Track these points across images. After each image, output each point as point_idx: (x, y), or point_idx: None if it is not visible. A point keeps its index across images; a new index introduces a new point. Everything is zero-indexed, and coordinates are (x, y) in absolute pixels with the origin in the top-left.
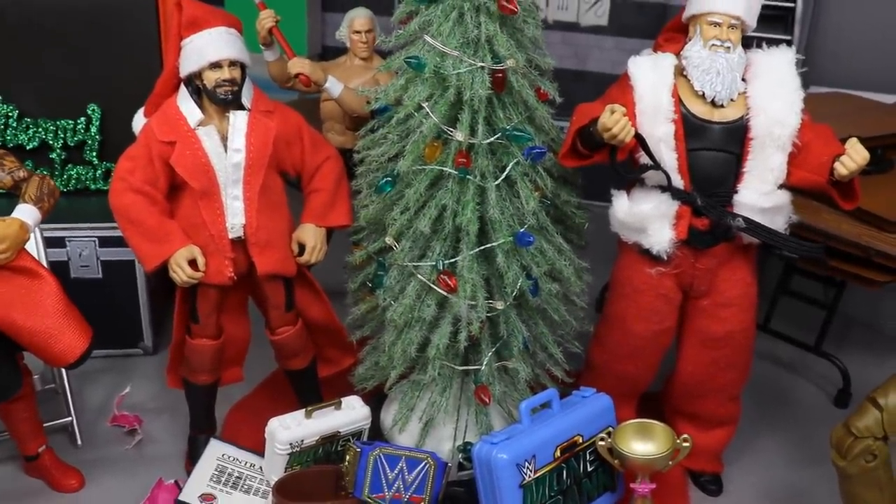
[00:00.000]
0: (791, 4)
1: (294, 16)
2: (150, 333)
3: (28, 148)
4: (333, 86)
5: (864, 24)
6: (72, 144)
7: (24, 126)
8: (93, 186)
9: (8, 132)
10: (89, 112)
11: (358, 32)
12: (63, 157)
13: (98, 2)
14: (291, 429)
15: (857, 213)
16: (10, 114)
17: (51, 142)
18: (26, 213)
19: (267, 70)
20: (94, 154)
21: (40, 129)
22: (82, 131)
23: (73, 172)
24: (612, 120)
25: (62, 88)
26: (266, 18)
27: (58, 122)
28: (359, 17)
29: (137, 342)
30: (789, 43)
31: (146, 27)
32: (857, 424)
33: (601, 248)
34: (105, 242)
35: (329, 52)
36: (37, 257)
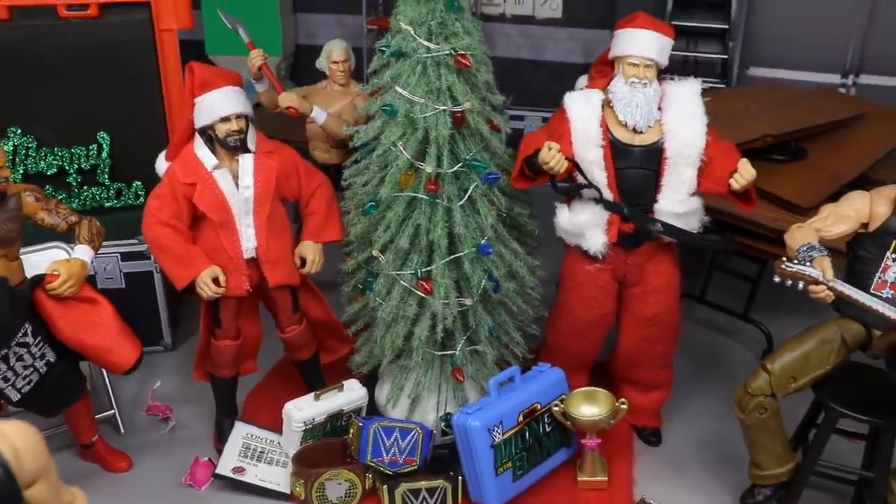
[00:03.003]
0: None
1: (267, 17)
2: (168, 332)
3: (48, 174)
4: (318, 115)
5: (797, 8)
6: (86, 168)
7: (42, 154)
8: (107, 204)
9: (29, 161)
10: (99, 139)
11: (336, 62)
12: (79, 179)
13: (102, 41)
14: (304, 409)
15: (773, 198)
16: (29, 144)
17: (67, 167)
18: (84, 252)
19: (259, 98)
20: (107, 176)
21: (57, 157)
22: (95, 156)
23: (88, 193)
24: (549, 156)
25: (74, 119)
26: (256, 58)
27: (72, 150)
28: (336, 49)
29: (158, 340)
30: (727, 31)
31: (146, 62)
32: (752, 385)
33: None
34: (126, 257)
35: (302, 51)
36: None
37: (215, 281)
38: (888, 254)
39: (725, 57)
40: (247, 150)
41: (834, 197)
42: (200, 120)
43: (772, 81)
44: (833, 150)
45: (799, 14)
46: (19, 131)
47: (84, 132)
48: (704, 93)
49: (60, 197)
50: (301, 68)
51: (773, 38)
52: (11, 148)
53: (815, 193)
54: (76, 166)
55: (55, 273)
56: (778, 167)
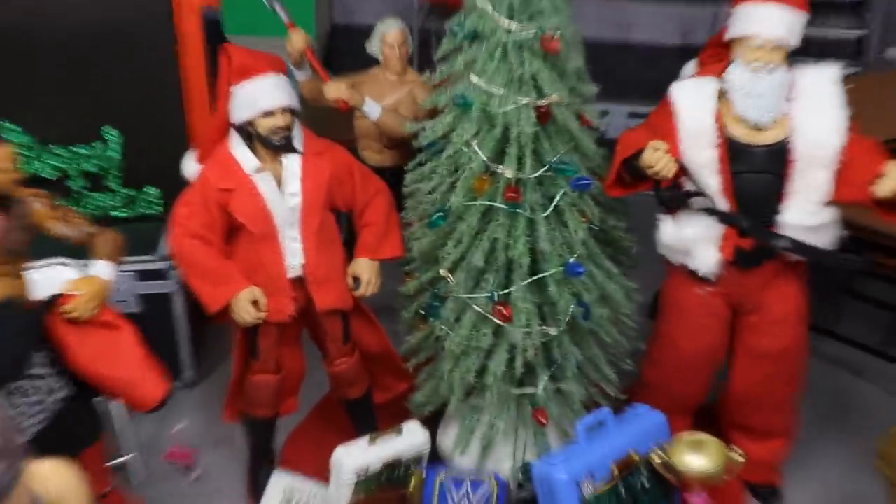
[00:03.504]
0: None
1: None
2: (190, 365)
3: (47, 178)
4: (372, 108)
5: None
6: (93, 171)
7: (40, 155)
8: (116, 214)
9: (23, 163)
10: (105, 135)
11: (391, 47)
12: (81, 184)
13: (111, 18)
14: (357, 457)
15: None
16: (25, 143)
17: (69, 170)
18: (104, 269)
19: (299, 89)
20: (116, 180)
21: (56, 157)
22: (101, 156)
23: (94, 201)
24: (655, 158)
25: (76, 112)
26: (298, 41)
27: (74, 149)
28: (391, 31)
29: (179, 375)
30: (863, 2)
31: (163, 44)
32: None
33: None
34: (142, 276)
35: (337, 32)
36: None
37: (255, 304)
38: None
39: (861, 33)
40: (293, 151)
41: None
42: (239, 114)
43: None
44: None
45: None
46: (14, 127)
47: (90, 126)
48: (845, 80)
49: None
50: (338, 53)
51: None
52: None
53: None
54: (80, 169)
55: (73, 293)
56: None
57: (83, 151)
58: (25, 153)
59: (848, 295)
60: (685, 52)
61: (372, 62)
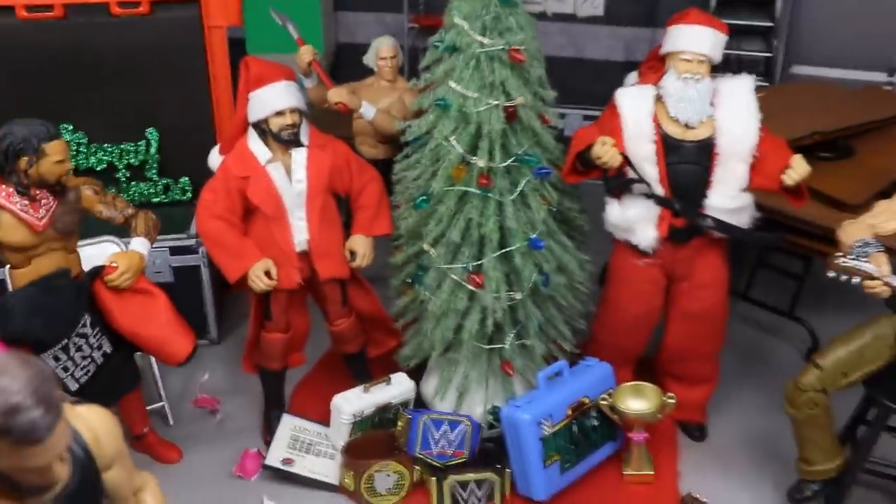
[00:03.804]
0: None
1: (309, 16)
2: (214, 326)
3: (98, 169)
4: (368, 110)
5: (842, 5)
6: (135, 164)
7: (92, 150)
8: (155, 200)
9: (79, 157)
10: (148, 135)
11: (384, 58)
12: (127, 175)
13: (152, 38)
14: (353, 402)
15: (820, 196)
16: (80, 140)
17: (116, 163)
18: (141, 245)
19: (307, 94)
20: (155, 171)
21: (106, 153)
22: (143, 152)
23: (136, 189)
24: (603, 150)
25: (124, 116)
26: (306, 53)
27: (121, 146)
28: (384, 45)
29: (205, 334)
30: (772, 28)
31: (195, 59)
32: (802, 380)
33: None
34: (175, 251)
35: (343, 49)
36: None
37: (267, 274)
38: None
39: (769, 55)
40: (300, 144)
41: (882, 195)
42: (255, 114)
43: (816, 80)
44: (880, 148)
45: (844, 12)
46: (70, 127)
47: (133, 129)
48: (757, 89)
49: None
50: (342, 66)
51: (817, 35)
52: None
53: (862, 191)
54: (125, 162)
55: (114, 265)
56: (825, 165)
57: (129, 148)
58: (82, 150)
59: (761, 265)
60: (628, 66)
61: (369, 73)
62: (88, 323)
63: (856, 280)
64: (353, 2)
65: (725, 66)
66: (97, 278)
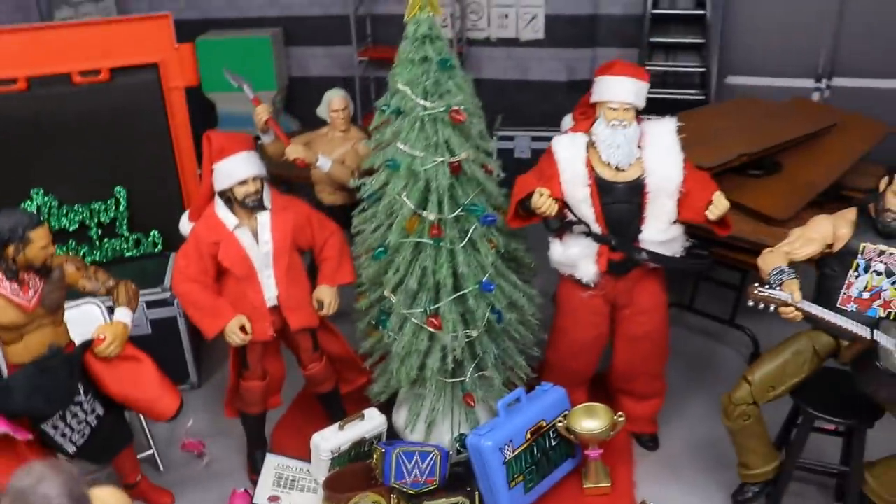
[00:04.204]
0: (702, 12)
1: (261, 54)
2: (194, 371)
3: (70, 229)
4: (324, 163)
5: (768, 18)
6: (105, 222)
7: (63, 212)
8: (127, 254)
9: (52, 219)
10: (116, 193)
11: (336, 110)
12: (99, 233)
13: (114, 103)
14: (330, 440)
15: (751, 212)
16: (51, 203)
17: (87, 222)
18: (124, 315)
19: (265, 150)
20: (125, 227)
21: (78, 213)
22: (113, 209)
23: (108, 245)
24: (541, 201)
25: (92, 176)
26: (262, 113)
27: (91, 206)
28: (335, 98)
29: (185, 379)
30: (704, 44)
31: (156, 119)
32: (735, 395)
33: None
34: (151, 305)
35: (295, 83)
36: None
37: (242, 329)
38: (851, 272)
39: (703, 69)
40: (264, 208)
41: (809, 206)
42: (220, 184)
43: (749, 89)
44: (807, 161)
45: (771, 24)
46: (41, 191)
47: (102, 188)
48: (679, 130)
49: (83, 250)
50: (295, 100)
51: (748, 48)
52: (35, 207)
53: (790, 205)
54: (96, 220)
55: (102, 337)
56: (754, 181)
57: (99, 206)
58: (54, 212)
59: (703, 279)
60: (572, 86)
61: (317, 105)
62: (82, 391)
63: (772, 308)
64: (303, 37)
65: (664, 82)
66: (87, 350)
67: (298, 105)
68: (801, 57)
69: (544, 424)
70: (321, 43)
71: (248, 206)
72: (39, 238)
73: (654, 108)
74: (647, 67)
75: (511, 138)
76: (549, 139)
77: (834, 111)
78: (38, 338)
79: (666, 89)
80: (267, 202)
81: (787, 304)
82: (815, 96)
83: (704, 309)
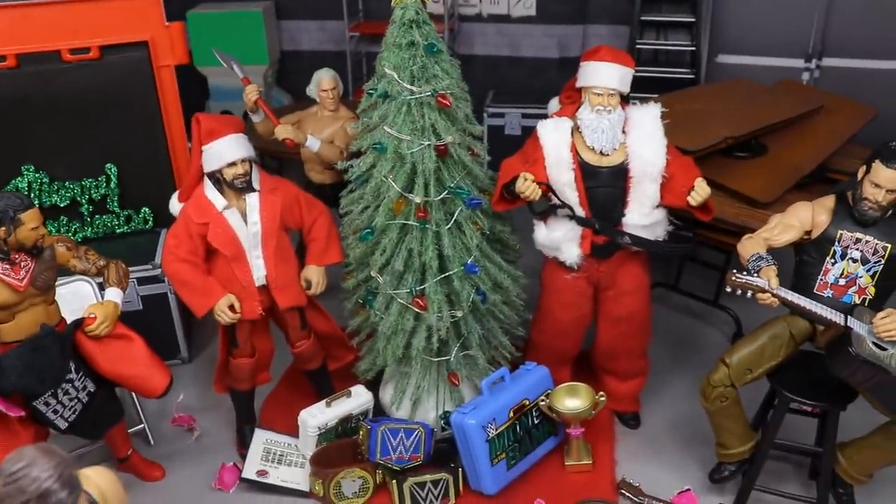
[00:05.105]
0: None
1: (253, 28)
2: (185, 347)
3: (61, 205)
4: (313, 143)
5: None
6: (97, 198)
7: (55, 188)
8: (118, 230)
9: (42, 195)
10: (107, 170)
11: (325, 90)
12: (90, 209)
13: (105, 80)
14: (317, 416)
15: (735, 194)
16: (42, 180)
17: (78, 198)
18: (114, 294)
19: (255, 128)
20: (116, 204)
21: (68, 190)
22: (104, 186)
23: (99, 221)
24: (525, 186)
25: (83, 154)
26: (252, 93)
27: (83, 182)
28: (325, 78)
29: (176, 354)
30: (695, 22)
31: (147, 97)
32: (713, 378)
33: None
34: (142, 282)
35: (287, 57)
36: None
37: (231, 308)
38: (828, 259)
39: (694, 48)
40: (252, 190)
41: (794, 189)
42: (209, 165)
43: (739, 68)
44: (792, 144)
45: (762, 4)
46: (32, 168)
47: (93, 165)
48: (665, 114)
49: (74, 226)
50: (287, 73)
51: (738, 26)
52: (26, 184)
53: (774, 188)
54: (87, 197)
55: (92, 316)
56: (739, 163)
57: (90, 183)
58: (45, 188)
59: (689, 260)
60: (563, 63)
61: (308, 80)
62: (73, 369)
63: (749, 294)
64: (295, 11)
65: (655, 60)
66: (78, 329)
67: (290, 78)
68: (791, 37)
69: (527, 403)
70: (313, 17)
71: (237, 188)
72: (30, 220)
73: (644, 86)
74: (638, 45)
75: (502, 115)
76: (540, 117)
77: (821, 94)
78: (29, 317)
79: (657, 68)
80: (256, 184)
81: (764, 291)
82: (805, 76)
83: (689, 289)
